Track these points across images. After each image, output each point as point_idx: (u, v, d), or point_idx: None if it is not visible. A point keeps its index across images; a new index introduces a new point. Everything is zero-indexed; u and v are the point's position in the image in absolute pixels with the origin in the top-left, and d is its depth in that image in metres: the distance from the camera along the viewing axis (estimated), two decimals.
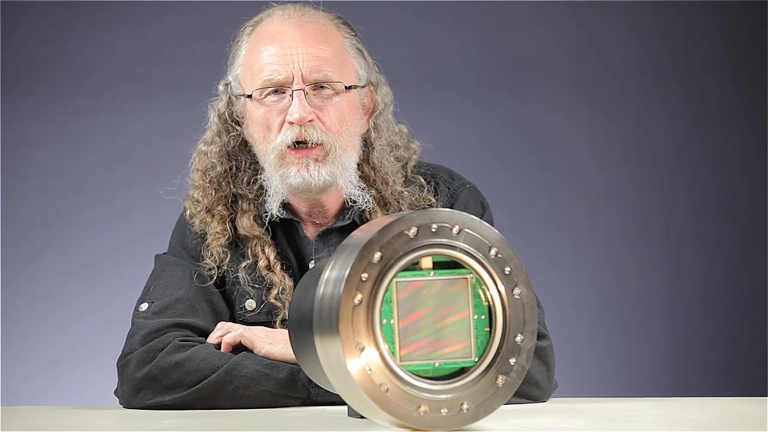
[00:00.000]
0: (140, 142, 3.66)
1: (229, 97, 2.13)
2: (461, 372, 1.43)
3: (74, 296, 3.61)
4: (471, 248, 1.42)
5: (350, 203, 2.10)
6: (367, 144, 2.12)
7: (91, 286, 3.61)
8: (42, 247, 3.62)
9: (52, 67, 3.64)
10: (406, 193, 2.12)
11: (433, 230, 1.41)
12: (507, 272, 1.43)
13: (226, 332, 2.00)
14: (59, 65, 3.65)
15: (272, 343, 1.97)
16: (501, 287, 1.43)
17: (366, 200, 2.09)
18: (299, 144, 2.04)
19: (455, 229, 1.42)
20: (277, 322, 2.06)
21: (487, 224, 1.43)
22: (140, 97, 3.66)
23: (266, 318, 2.07)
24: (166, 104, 3.66)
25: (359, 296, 1.38)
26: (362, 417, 1.61)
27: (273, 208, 2.08)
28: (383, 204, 2.11)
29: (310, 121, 2.03)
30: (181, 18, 3.69)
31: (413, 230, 1.40)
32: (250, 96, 2.07)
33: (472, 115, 3.73)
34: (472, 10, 3.74)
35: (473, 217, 1.42)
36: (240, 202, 2.13)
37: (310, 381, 1.91)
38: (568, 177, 3.76)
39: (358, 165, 2.10)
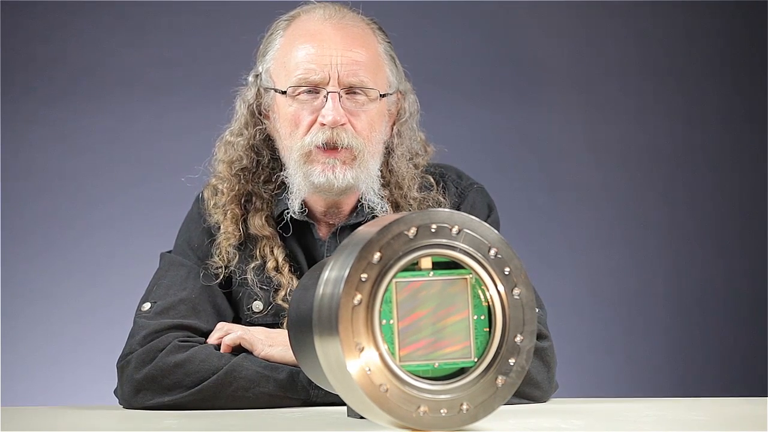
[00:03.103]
0: (140, 143, 3.66)
1: (258, 89, 2.12)
2: (461, 372, 1.43)
3: (74, 296, 3.61)
4: (470, 249, 1.42)
5: (368, 208, 2.09)
6: (387, 149, 2.12)
7: (91, 286, 3.61)
8: (42, 247, 3.62)
9: (52, 67, 3.64)
10: (419, 198, 2.12)
11: (433, 231, 1.41)
12: (506, 273, 1.43)
13: (226, 333, 2.00)
14: (59, 65, 3.65)
15: (272, 345, 1.97)
16: (500, 287, 1.43)
17: (384, 209, 2.09)
18: (328, 146, 2.04)
19: (455, 230, 1.42)
20: (284, 324, 2.05)
21: (487, 224, 1.43)
22: (140, 97, 3.66)
23: (273, 320, 2.07)
24: (166, 104, 3.66)
25: (359, 296, 1.38)
26: (362, 417, 1.61)
27: (294, 205, 2.08)
28: (396, 207, 2.11)
29: (342, 124, 2.03)
30: (181, 18, 3.69)
31: (413, 230, 1.40)
32: (284, 92, 2.06)
33: (473, 115, 3.74)
34: (472, 10, 3.74)
35: (473, 217, 1.42)
36: (254, 200, 2.13)
37: (310, 382, 1.91)
38: (568, 177, 3.76)
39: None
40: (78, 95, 3.65)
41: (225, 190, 2.12)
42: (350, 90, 2.04)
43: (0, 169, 3.60)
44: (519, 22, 3.78)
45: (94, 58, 3.66)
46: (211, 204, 2.13)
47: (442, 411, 1.40)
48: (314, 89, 2.04)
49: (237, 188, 2.12)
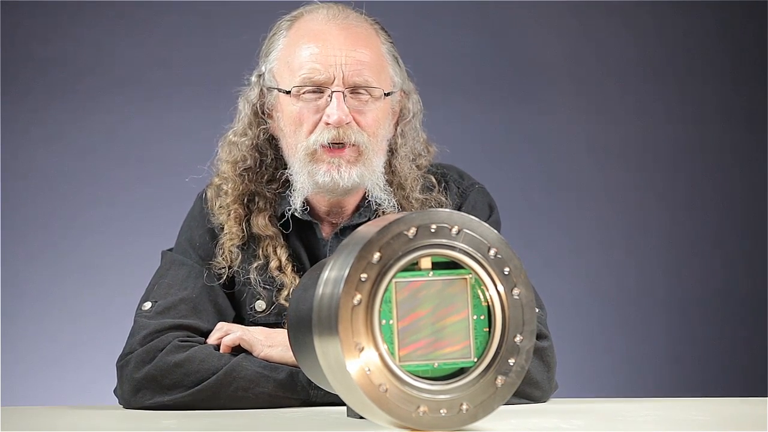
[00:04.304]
0: (140, 142, 3.66)
1: (261, 89, 2.12)
2: (460, 372, 1.43)
3: (74, 296, 3.61)
4: (470, 249, 1.42)
5: (375, 205, 2.09)
6: (391, 149, 2.13)
7: (91, 286, 3.61)
8: (42, 248, 3.62)
9: (52, 67, 3.64)
10: (422, 199, 2.12)
11: (432, 231, 1.41)
12: (506, 273, 1.43)
13: (225, 333, 2.00)
14: (59, 65, 3.65)
15: (271, 345, 1.96)
16: (500, 287, 1.43)
17: (391, 203, 2.09)
18: (334, 144, 2.04)
19: (454, 230, 1.42)
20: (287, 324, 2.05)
21: (486, 224, 1.43)
22: (140, 97, 3.66)
23: (276, 319, 2.07)
24: (165, 104, 3.66)
25: (358, 296, 1.38)
26: (361, 417, 1.61)
27: (297, 203, 2.08)
28: (399, 209, 2.11)
29: (347, 123, 2.03)
30: (181, 18, 3.69)
31: (412, 231, 1.40)
32: (288, 92, 2.06)
33: (472, 115, 3.74)
34: (472, 10, 3.74)
35: (472, 217, 1.42)
36: (257, 200, 2.13)
37: (310, 382, 1.91)
38: (568, 177, 3.76)
39: None
40: (78, 95, 3.65)
41: (229, 190, 2.13)
42: (354, 89, 2.05)
43: (0, 169, 3.60)
44: (519, 22, 3.78)
45: (94, 58, 3.66)
46: (217, 204, 2.13)
47: (441, 411, 1.40)
48: (318, 89, 2.05)
49: (241, 188, 2.12)
